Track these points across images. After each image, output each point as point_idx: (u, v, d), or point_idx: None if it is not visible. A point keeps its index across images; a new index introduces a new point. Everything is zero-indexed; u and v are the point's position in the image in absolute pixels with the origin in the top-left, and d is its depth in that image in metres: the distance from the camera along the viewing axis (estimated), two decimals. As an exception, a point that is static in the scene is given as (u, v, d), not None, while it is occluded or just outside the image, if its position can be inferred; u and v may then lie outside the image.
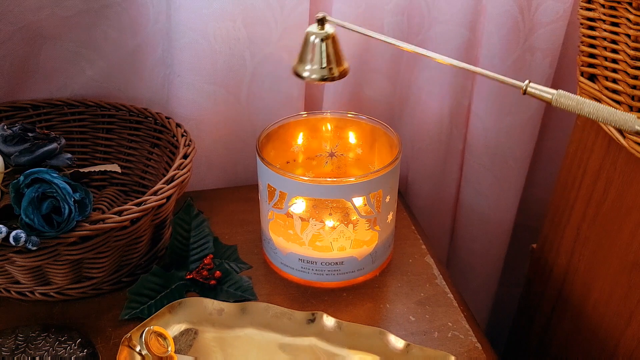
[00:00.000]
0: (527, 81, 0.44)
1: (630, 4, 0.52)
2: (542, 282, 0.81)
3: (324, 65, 0.53)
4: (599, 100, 0.59)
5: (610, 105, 0.56)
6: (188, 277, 0.62)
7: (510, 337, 0.97)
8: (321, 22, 0.52)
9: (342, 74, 0.55)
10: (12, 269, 0.55)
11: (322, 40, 0.52)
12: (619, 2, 0.53)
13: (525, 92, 0.44)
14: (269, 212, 0.61)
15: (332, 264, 0.61)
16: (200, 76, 0.70)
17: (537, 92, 0.43)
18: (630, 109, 0.55)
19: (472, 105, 0.82)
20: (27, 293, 0.58)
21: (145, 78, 0.72)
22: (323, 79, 0.53)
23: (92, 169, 0.64)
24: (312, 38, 0.53)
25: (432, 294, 0.62)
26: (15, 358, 0.51)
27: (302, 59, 0.54)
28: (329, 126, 0.68)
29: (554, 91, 0.43)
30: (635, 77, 0.54)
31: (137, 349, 0.51)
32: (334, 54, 0.53)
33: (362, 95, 0.78)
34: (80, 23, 0.67)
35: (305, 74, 0.54)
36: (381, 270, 0.65)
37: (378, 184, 0.58)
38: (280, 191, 0.58)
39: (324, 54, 0.53)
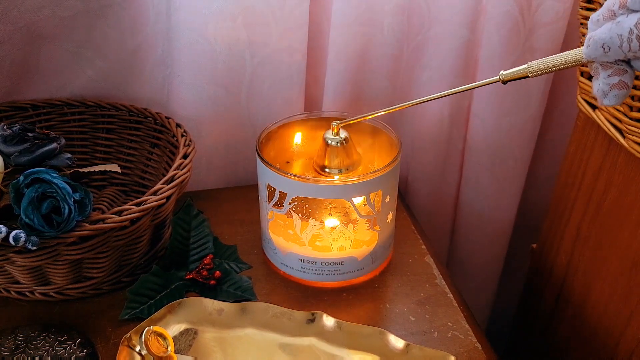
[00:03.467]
0: (500, 72, 0.47)
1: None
2: (542, 282, 0.81)
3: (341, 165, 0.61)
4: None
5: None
6: (188, 277, 0.62)
7: (510, 337, 0.97)
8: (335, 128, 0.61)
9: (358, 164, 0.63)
10: (12, 269, 0.55)
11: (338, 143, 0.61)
12: (619, 2, 0.53)
13: (504, 82, 0.47)
14: (269, 212, 0.61)
15: (332, 264, 0.61)
16: (200, 76, 0.70)
17: (513, 73, 0.47)
18: (630, 108, 0.55)
19: (472, 105, 0.82)
20: (27, 293, 0.58)
21: (145, 78, 0.72)
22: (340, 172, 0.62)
23: (92, 169, 0.63)
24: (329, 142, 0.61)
25: (432, 294, 0.62)
26: (15, 358, 0.51)
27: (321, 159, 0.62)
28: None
29: (524, 65, 0.46)
30: (635, 77, 0.53)
31: (137, 349, 0.51)
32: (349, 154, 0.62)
33: (362, 95, 0.78)
34: (80, 23, 0.67)
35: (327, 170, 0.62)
36: (381, 270, 0.65)
37: (378, 184, 0.58)
38: (280, 191, 0.58)
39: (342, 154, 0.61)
